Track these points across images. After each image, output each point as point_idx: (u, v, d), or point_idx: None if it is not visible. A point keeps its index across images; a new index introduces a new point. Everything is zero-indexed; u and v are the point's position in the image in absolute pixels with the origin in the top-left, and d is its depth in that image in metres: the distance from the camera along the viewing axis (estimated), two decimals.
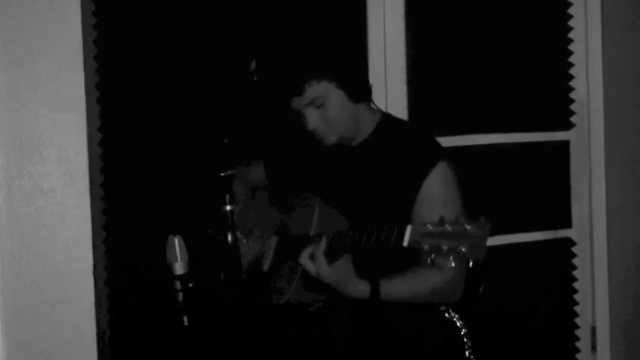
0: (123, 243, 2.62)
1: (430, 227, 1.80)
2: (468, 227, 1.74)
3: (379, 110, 2.32)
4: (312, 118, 2.15)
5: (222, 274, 1.99)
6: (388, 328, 2.17)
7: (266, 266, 2.25)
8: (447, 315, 2.23)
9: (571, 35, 3.20)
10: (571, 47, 3.20)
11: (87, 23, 2.42)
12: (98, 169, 2.55)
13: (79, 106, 1.63)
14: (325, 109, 2.14)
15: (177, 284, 1.99)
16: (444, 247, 1.76)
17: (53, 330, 1.62)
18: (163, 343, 2.40)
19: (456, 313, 2.24)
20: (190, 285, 1.99)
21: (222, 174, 2.01)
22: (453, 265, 1.77)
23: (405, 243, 1.83)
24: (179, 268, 1.99)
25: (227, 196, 1.98)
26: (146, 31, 2.65)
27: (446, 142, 2.30)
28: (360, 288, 2.07)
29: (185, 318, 1.99)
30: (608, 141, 3.23)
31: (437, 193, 2.14)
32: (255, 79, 2.18)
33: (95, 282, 1.65)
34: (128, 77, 2.63)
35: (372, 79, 2.29)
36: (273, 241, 2.28)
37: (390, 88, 2.93)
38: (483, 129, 3.12)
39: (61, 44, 1.61)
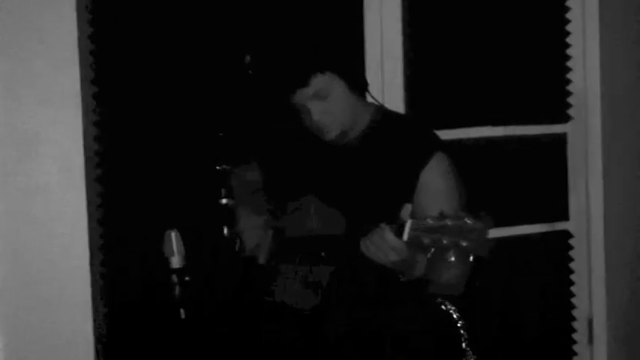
0: (119, 238, 2.62)
1: (430, 222, 1.79)
2: (468, 221, 1.74)
3: (372, 104, 2.32)
4: (316, 110, 2.15)
5: (218, 267, 2.00)
6: (384, 320, 2.18)
7: (262, 260, 2.25)
8: (443, 307, 2.24)
9: (568, 28, 3.19)
10: (568, 40, 3.20)
11: (82, 19, 2.41)
12: (94, 165, 2.55)
13: (74, 102, 1.63)
14: (329, 101, 2.14)
15: (174, 278, 2.00)
16: (445, 242, 1.76)
17: (50, 326, 1.62)
18: (160, 337, 2.41)
19: (453, 306, 2.24)
20: (187, 279, 2.00)
21: (218, 168, 2.01)
22: (453, 259, 1.77)
23: (405, 238, 1.82)
24: (176, 262, 2.00)
25: (223, 190, 1.99)
26: (141, 26, 2.64)
27: (443, 135, 2.29)
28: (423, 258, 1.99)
29: (182, 311, 2.00)
30: (605, 134, 3.22)
31: (435, 184, 2.14)
32: (251, 72, 2.18)
33: (92, 277, 1.66)
34: (124, 72, 2.62)
35: (369, 74, 2.29)
36: (269, 237, 2.28)
37: (387, 81, 2.92)
38: (480, 122, 3.11)
39: (57, 40, 1.62)
